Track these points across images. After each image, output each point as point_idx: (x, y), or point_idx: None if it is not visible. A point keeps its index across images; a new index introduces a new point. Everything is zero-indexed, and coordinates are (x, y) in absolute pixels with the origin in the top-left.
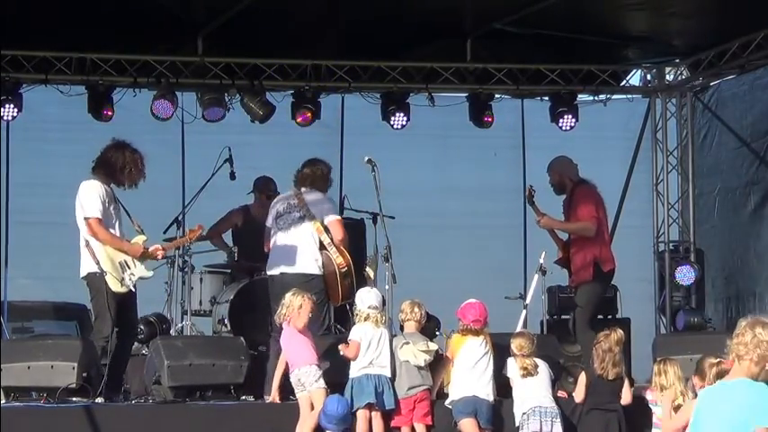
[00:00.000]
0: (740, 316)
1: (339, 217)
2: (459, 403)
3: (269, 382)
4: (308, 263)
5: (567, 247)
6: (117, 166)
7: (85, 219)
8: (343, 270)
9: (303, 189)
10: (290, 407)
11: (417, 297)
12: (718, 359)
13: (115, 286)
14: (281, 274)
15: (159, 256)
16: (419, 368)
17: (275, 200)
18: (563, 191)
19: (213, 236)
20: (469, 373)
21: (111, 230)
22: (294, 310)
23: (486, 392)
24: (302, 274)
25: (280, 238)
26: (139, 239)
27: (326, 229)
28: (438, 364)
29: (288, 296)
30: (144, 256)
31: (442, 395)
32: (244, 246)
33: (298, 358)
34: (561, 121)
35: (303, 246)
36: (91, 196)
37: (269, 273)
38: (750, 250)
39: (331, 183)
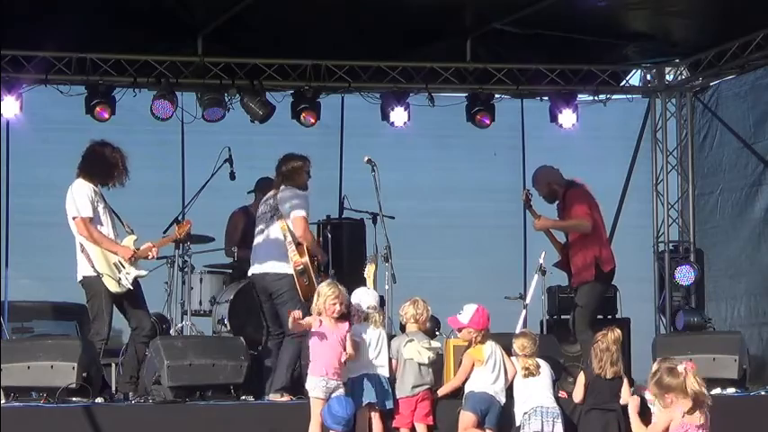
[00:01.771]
0: (750, 314)
1: (303, 213)
2: (476, 397)
3: (279, 378)
4: (276, 262)
5: (566, 250)
6: (102, 166)
7: (74, 218)
8: (299, 269)
9: (281, 187)
10: (289, 407)
11: (417, 297)
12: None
13: (113, 287)
14: (252, 274)
15: (151, 256)
16: (422, 366)
17: None
18: (554, 199)
19: (229, 249)
20: (489, 377)
21: (101, 229)
22: (327, 301)
23: (502, 395)
24: (270, 273)
25: (256, 240)
26: (130, 240)
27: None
28: (440, 365)
29: (321, 287)
30: (135, 257)
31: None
32: (247, 245)
33: (317, 366)
34: (560, 116)
35: (272, 245)
36: (80, 196)
37: (249, 275)
38: (761, 249)
39: (309, 176)
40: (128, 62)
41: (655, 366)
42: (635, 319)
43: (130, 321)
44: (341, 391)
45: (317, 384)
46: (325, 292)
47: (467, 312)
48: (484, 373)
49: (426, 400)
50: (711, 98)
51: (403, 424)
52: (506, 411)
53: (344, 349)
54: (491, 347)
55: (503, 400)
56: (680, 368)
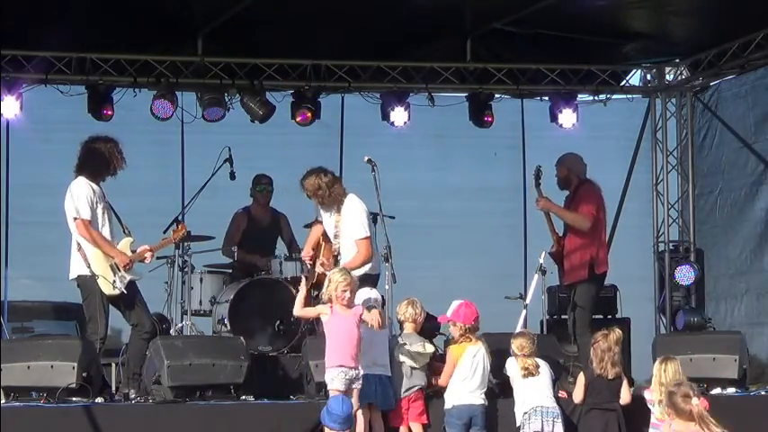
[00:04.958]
0: (750, 314)
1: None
2: (454, 411)
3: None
4: None
5: (562, 241)
6: (102, 160)
7: (74, 219)
8: None
9: None
10: (290, 407)
11: (417, 297)
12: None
13: (107, 289)
14: None
15: (148, 259)
16: (414, 369)
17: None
18: (567, 187)
19: (228, 249)
20: (468, 382)
21: (101, 231)
22: (339, 287)
23: (482, 398)
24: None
25: None
26: (127, 242)
27: None
28: (433, 365)
29: (333, 273)
30: (132, 262)
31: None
32: (247, 246)
33: (334, 356)
34: (560, 116)
35: None
36: (80, 197)
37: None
38: (761, 249)
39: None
40: (128, 62)
41: (678, 387)
42: (635, 319)
43: (130, 320)
44: (359, 382)
45: (335, 376)
46: (337, 279)
47: (452, 307)
48: (464, 380)
49: (419, 399)
50: (711, 98)
51: (398, 423)
52: (490, 411)
53: (360, 334)
54: (475, 351)
55: (485, 401)
56: (694, 401)
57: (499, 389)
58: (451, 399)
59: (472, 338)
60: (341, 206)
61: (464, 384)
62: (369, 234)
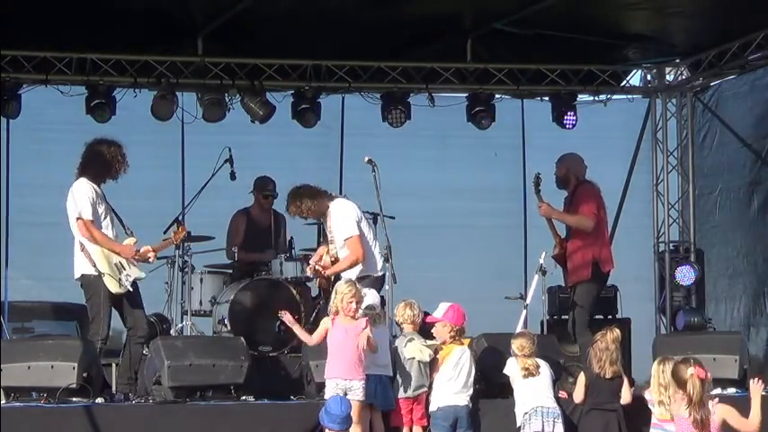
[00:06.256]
0: (749, 315)
1: None
2: (440, 413)
3: None
4: None
5: (565, 243)
6: (105, 162)
7: (77, 219)
8: None
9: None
10: (290, 407)
11: (417, 297)
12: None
13: (113, 287)
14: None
15: (151, 259)
16: (422, 366)
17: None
18: (565, 186)
19: (230, 251)
20: (453, 384)
21: (103, 231)
22: (345, 299)
23: (467, 400)
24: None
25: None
26: (130, 242)
27: None
28: (435, 364)
29: (339, 285)
30: (136, 258)
31: None
32: (247, 247)
33: (331, 367)
34: (566, 118)
35: None
36: (82, 197)
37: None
38: (757, 250)
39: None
40: (128, 62)
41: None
42: (635, 319)
43: (126, 322)
44: (357, 390)
45: (328, 386)
46: (343, 291)
47: (441, 308)
48: (448, 381)
49: (423, 402)
50: (712, 98)
51: (400, 423)
52: (474, 413)
53: (359, 345)
54: (461, 353)
55: (470, 403)
56: (689, 371)
57: (499, 389)
58: (436, 401)
59: (458, 340)
60: (328, 215)
61: (449, 386)
62: (355, 233)
